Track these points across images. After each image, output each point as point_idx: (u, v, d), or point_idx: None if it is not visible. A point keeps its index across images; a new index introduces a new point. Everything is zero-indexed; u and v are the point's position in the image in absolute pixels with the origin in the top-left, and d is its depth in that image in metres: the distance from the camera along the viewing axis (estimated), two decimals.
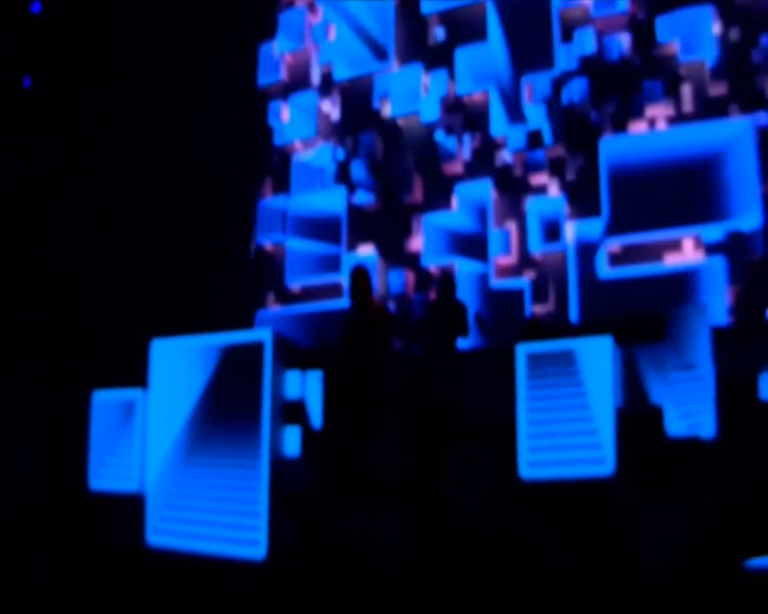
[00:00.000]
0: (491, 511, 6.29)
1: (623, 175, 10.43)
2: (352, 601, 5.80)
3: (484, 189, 11.20)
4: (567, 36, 11.13)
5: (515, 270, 10.98)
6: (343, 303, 11.03)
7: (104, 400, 8.27)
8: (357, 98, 12.40)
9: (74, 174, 11.94)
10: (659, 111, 10.51)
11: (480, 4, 11.61)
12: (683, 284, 9.86)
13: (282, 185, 12.57)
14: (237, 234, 12.47)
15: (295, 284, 12.23)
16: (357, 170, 12.06)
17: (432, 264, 11.32)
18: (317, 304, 11.92)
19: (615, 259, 10.39)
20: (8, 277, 11.61)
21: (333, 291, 11.84)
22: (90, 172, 11.93)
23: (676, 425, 6.74)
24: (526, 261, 10.94)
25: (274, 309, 12.29)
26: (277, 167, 12.72)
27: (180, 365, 7.01)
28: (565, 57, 11.08)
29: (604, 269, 10.36)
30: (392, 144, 12.05)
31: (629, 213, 10.19)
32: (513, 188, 11.18)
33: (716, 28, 10.42)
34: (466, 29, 11.73)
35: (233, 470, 6.48)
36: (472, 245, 11.26)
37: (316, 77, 12.78)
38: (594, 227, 10.48)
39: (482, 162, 11.43)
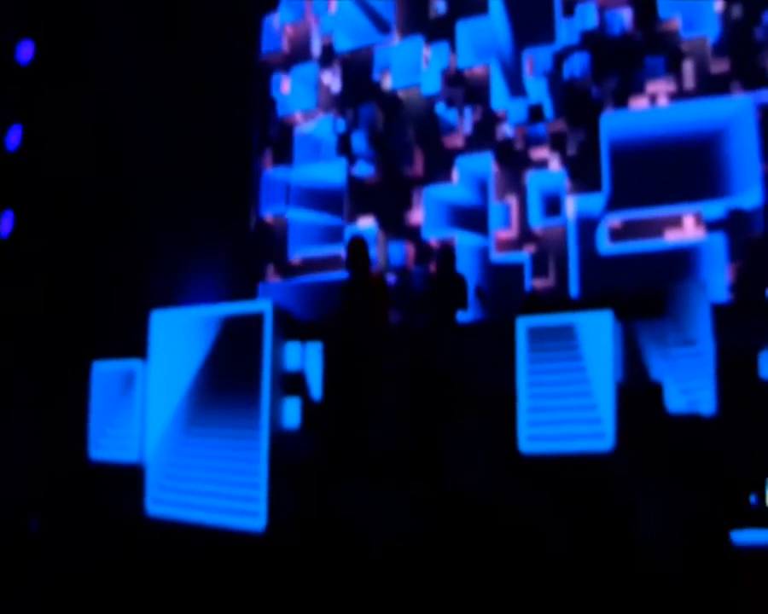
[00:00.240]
0: (491, 484, 6.32)
1: (624, 150, 10.42)
2: (350, 573, 5.84)
3: (485, 163, 11.20)
4: (569, 10, 11.10)
5: (516, 244, 10.98)
6: (344, 274, 11.03)
7: (104, 371, 8.29)
8: (358, 70, 12.35)
9: (72, 147, 11.88)
10: (660, 87, 10.49)
11: None
12: (683, 261, 9.87)
13: (283, 157, 12.55)
14: (238, 206, 12.45)
15: (297, 256, 12.23)
16: (358, 142, 12.04)
17: (432, 237, 11.34)
18: (319, 276, 11.93)
19: (616, 235, 10.40)
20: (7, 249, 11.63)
21: (334, 262, 11.83)
22: (89, 145, 11.88)
23: (676, 401, 6.78)
24: (526, 235, 10.94)
25: (275, 281, 12.30)
26: (278, 139, 12.69)
27: (180, 336, 7.02)
28: (566, 31, 11.05)
29: (605, 245, 10.38)
30: (393, 117, 12.02)
31: (630, 189, 10.20)
32: (514, 162, 11.16)
33: (718, 5, 10.40)
34: (467, 2, 11.69)
35: (233, 441, 6.50)
36: (472, 218, 11.26)
37: (317, 48, 12.73)
38: (594, 202, 10.49)
39: (483, 135, 11.41)
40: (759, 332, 6.99)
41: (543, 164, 10.97)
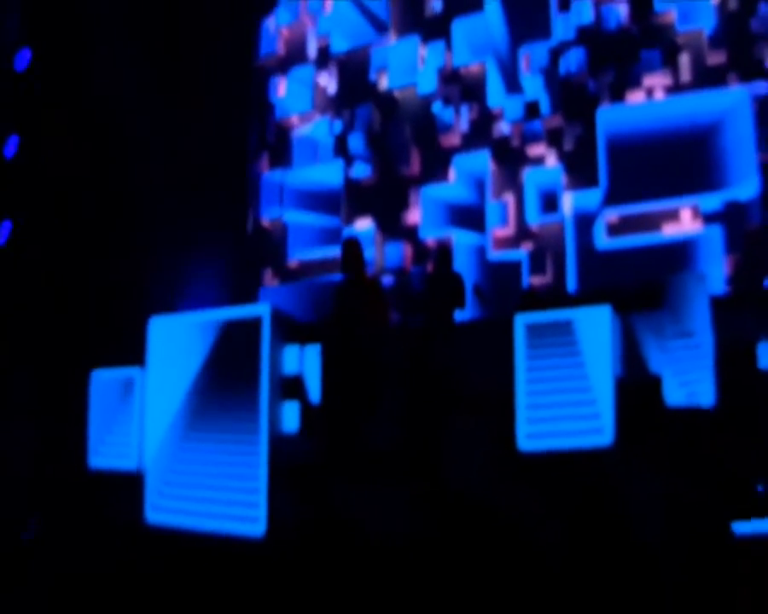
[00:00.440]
0: (490, 482, 6.29)
1: (621, 145, 10.39)
2: (350, 575, 5.80)
3: (482, 161, 11.17)
4: (565, 5, 11.08)
5: (513, 242, 10.96)
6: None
7: (103, 378, 8.27)
8: (354, 71, 12.35)
9: (69, 153, 11.87)
10: (657, 80, 10.47)
11: None
12: (681, 254, 9.84)
13: (281, 160, 12.54)
14: (236, 210, 12.44)
15: (295, 258, 12.22)
16: (355, 143, 12.02)
17: (430, 237, 11.31)
18: (318, 278, 11.91)
19: (613, 230, 10.37)
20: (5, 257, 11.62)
21: (332, 264, 11.78)
22: (87, 150, 11.86)
23: (675, 393, 6.74)
24: (523, 232, 10.92)
25: (274, 284, 12.28)
26: (275, 142, 12.68)
27: (178, 342, 7.00)
28: (562, 27, 11.03)
29: (602, 240, 10.33)
30: (390, 117, 12.00)
31: (627, 183, 10.17)
32: (510, 160, 11.13)
33: None
34: (463, 0, 11.66)
35: (232, 446, 6.48)
36: (470, 217, 11.24)
37: (313, 50, 12.73)
38: (592, 197, 10.45)
39: (480, 133, 11.39)
40: (758, 323, 6.95)
41: (539, 160, 10.94)
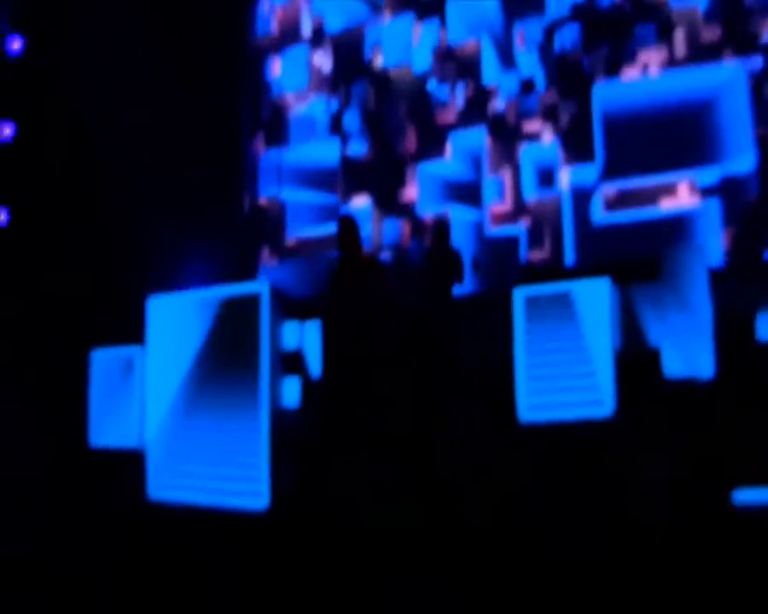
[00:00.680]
0: (491, 455, 6.32)
1: (617, 120, 10.40)
2: (352, 549, 5.83)
3: (478, 138, 11.19)
4: None
5: (510, 217, 10.97)
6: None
7: (103, 358, 8.29)
8: (349, 50, 12.34)
9: (64, 136, 11.87)
10: (651, 56, 10.45)
11: None
12: (678, 228, 9.85)
13: (277, 139, 12.55)
14: (233, 190, 12.45)
15: (293, 236, 12.23)
16: (351, 121, 12.02)
17: (427, 213, 11.32)
18: (316, 255, 11.92)
19: (610, 204, 10.37)
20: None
21: (330, 242, 11.79)
22: (82, 133, 11.86)
23: (674, 365, 6.80)
24: (520, 208, 10.92)
25: (272, 263, 12.30)
26: (271, 121, 12.68)
27: (177, 320, 7.02)
28: (556, 4, 11.01)
29: (599, 215, 10.36)
30: (385, 95, 12.00)
31: (623, 158, 10.18)
32: (506, 136, 11.14)
33: None
34: None
35: (233, 422, 6.50)
36: (466, 193, 11.26)
37: (307, 30, 12.71)
38: (588, 172, 10.47)
39: (475, 111, 11.38)
40: (757, 295, 7.00)
41: (535, 136, 10.94)
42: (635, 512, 5.52)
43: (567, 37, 10.87)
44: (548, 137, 10.86)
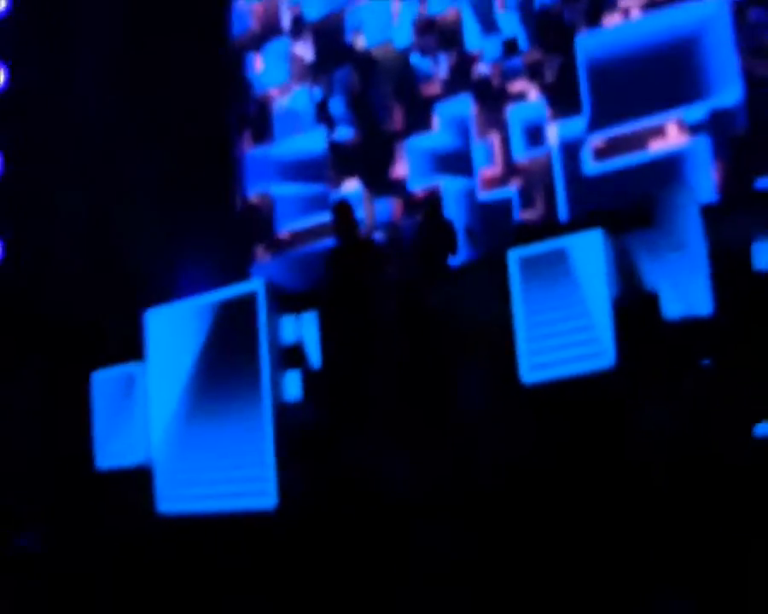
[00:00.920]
0: (496, 419, 6.28)
1: (601, 68, 10.26)
2: (366, 538, 5.80)
3: (464, 105, 11.10)
4: None
5: (501, 180, 10.88)
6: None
7: (103, 379, 8.25)
8: (330, 36, 12.26)
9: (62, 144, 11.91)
10: (632, 0, 10.30)
11: None
12: (670, 169, 9.72)
13: (263, 135, 12.52)
14: (223, 189, 12.44)
15: (286, 230, 12.20)
16: (336, 107, 11.97)
17: (418, 188, 11.27)
18: (311, 246, 11.89)
19: (600, 154, 10.22)
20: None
21: (322, 231, 11.75)
22: (70, 144, 11.88)
23: (673, 306, 6.69)
24: (511, 169, 10.82)
25: (267, 259, 12.28)
26: (256, 117, 12.65)
27: (175, 330, 7.02)
28: None
29: (590, 166, 10.23)
30: (369, 76, 11.92)
31: (610, 106, 10.05)
32: (493, 99, 11.03)
33: None
34: None
35: (237, 424, 6.50)
36: (457, 162, 11.17)
37: (286, 21, 12.65)
38: (576, 125, 10.33)
39: (460, 78, 11.29)
40: (750, 225, 6.88)
41: (521, 96, 10.83)
42: (643, 457, 5.46)
43: None
44: (534, 95, 10.74)
